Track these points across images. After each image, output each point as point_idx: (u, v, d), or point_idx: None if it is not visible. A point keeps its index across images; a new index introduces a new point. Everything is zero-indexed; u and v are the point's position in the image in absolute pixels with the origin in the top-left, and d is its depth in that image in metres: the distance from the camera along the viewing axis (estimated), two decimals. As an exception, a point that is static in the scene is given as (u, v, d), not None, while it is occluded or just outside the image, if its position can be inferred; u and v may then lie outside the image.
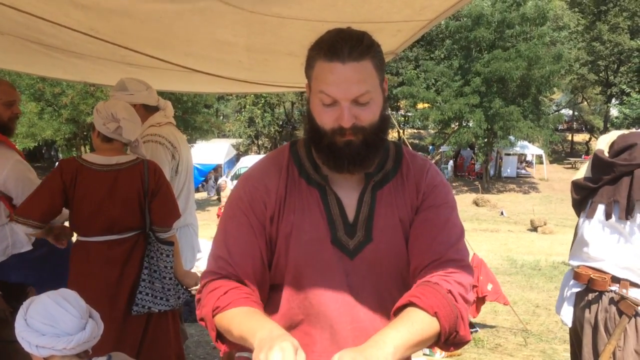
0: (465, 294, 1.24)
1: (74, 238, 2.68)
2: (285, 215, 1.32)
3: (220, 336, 1.25)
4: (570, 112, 40.27)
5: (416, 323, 1.14)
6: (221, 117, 35.33)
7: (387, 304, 1.28)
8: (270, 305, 1.35)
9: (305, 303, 1.32)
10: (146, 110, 3.17)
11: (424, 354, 4.52)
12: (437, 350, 4.55)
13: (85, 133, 20.99)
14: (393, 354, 1.06)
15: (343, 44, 1.19)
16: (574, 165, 32.16)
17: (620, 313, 2.21)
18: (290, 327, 1.34)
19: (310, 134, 1.30)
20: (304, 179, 1.34)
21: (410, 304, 1.17)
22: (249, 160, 25.61)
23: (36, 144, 20.74)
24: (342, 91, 1.19)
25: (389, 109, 1.38)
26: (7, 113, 2.79)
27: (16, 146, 2.90)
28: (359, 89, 1.20)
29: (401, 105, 33.91)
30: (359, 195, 1.33)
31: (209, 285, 1.28)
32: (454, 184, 27.07)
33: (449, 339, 1.19)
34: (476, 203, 23.30)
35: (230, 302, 1.21)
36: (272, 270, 1.34)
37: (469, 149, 30.36)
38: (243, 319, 1.17)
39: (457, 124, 27.93)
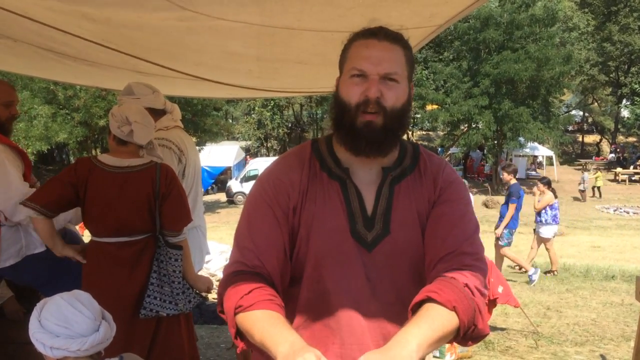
0: (481, 287, 1.25)
1: (88, 238, 2.71)
2: (307, 205, 1.35)
3: (240, 333, 1.26)
4: (581, 113, 39.97)
5: (436, 319, 1.15)
6: (230, 120, 35.46)
7: (403, 298, 1.29)
8: (290, 298, 1.36)
9: (324, 295, 1.34)
10: (153, 114, 3.18)
11: (434, 357, 4.50)
12: (448, 353, 4.55)
13: (96, 136, 21.07)
14: (417, 352, 1.07)
15: (380, 28, 1.34)
16: (584, 167, 31.89)
17: None
18: (310, 320, 1.35)
19: (334, 113, 1.37)
20: (325, 172, 1.38)
21: (429, 299, 1.18)
22: (259, 163, 25.67)
23: (49, 147, 20.82)
24: (374, 65, 1.29)
25: None
26: (5, 113, 2.76)
27: (29, 149, 2.85)
28: (390, 67, 1.29)
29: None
30: (377, 188, 1.37)
31: (234, 278, 1.29)
32: (463, 186, 26.86)
33: (467, 333, 1.20)
34: (486, 205, 23.14)
35: (253, 304, 1.22)
36: (293, 262, 1.36)
37: (478, 150, 30.21)
38: (265, 325, 1.18)
39: (466, 125, 27.79)
